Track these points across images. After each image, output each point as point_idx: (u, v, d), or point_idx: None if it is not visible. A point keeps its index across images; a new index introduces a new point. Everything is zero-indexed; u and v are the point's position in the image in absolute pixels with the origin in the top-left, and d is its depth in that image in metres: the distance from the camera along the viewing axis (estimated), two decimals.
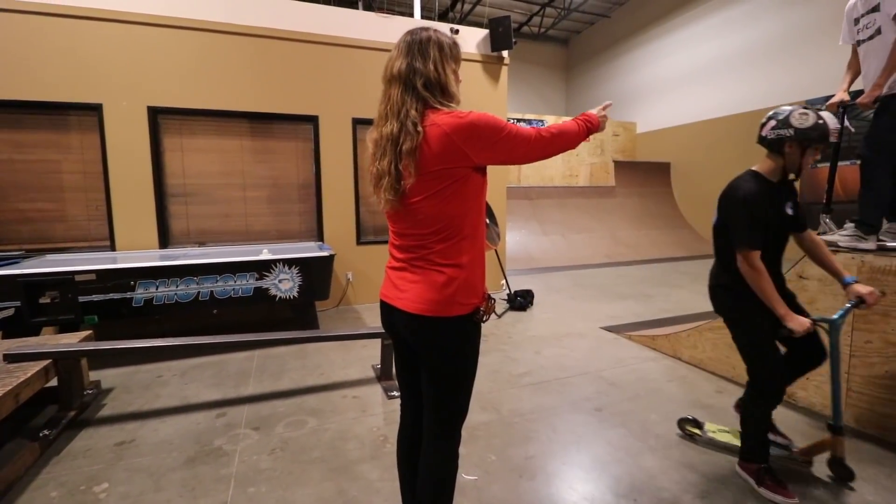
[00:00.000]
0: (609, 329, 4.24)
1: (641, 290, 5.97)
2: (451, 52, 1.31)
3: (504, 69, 5.71)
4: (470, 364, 1.38)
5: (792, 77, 8.67)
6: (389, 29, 5.08)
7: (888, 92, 2.51)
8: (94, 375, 3.13)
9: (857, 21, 2.75)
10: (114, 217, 4.25)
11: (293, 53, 4.73)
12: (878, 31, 2.59)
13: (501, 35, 5.39)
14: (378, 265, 5.32)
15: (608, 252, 9.02)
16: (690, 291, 5.92)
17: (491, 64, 5.63)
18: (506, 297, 5.25)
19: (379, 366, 3.21)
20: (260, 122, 4.73)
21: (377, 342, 3.58)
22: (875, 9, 2.60)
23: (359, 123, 5.07)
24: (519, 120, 10.84)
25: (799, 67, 8.56)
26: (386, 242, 5.37)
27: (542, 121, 11.11)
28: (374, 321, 4.59)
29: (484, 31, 5.57)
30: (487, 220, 5.04)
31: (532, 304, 5.14)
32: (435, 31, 1.32)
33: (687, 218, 10.83)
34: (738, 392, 2.50)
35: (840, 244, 2.56)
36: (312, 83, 4.83)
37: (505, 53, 5.66)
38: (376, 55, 4.98)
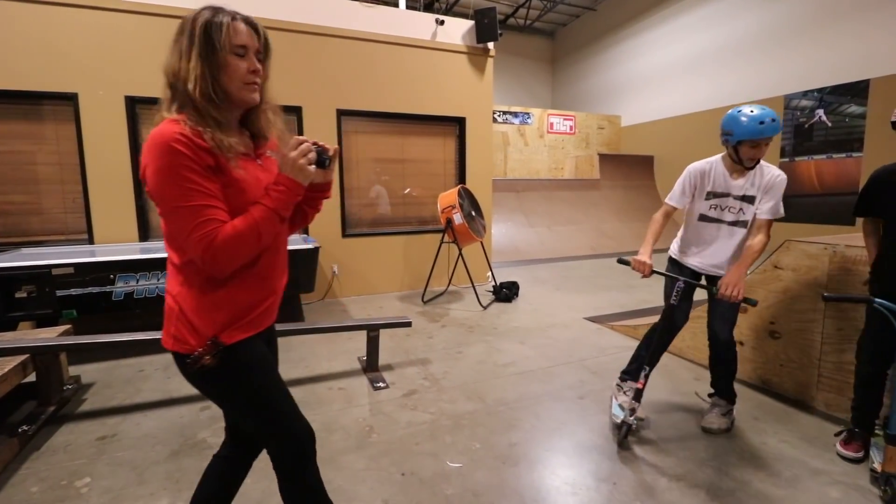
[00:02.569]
0: (592, 319, 4.31)
1: (625, 282, 6.07)
2: (202, 38, 1.03)
3: (490, 61, 5.70)
4: (245, 393, 1.13)
5: (771, 72, 8.85)
6: (374, 18, 5.02)
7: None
8: (73, 370, 3.08)
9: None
10: (91, 209, 4.16)
11: (276, 42, 4.59)
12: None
13: (487, 26, 5.37)
14: (364, 258, 5.31)
15: (593, 244, 9.14)
16: None
17: (476, 56, 5.61)
18: (491, 289, 5.29)
19: (365, 358, 3.22)
20: None
21: (363, 334, 3.57)
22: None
23: (344, 115, 5.02)
24: (505, 112, 10.85)
25: (777, 63, 8.73)
26: (373, 235, 5.37)
27: (528, 114, 11.12)
28: (359, 313, 4.59)
29: (470, 23, 5.55)
30: (473, 213, 5.06)
31: (517, 296, 5.19)
32: (200, 11, 1.06)
33: None
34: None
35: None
36: (295, 73, 4.77)
37: (490, 45, 5.64)
38: (361, 45, 4.92)
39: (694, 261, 2.39)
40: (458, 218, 4.66)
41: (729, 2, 9.61)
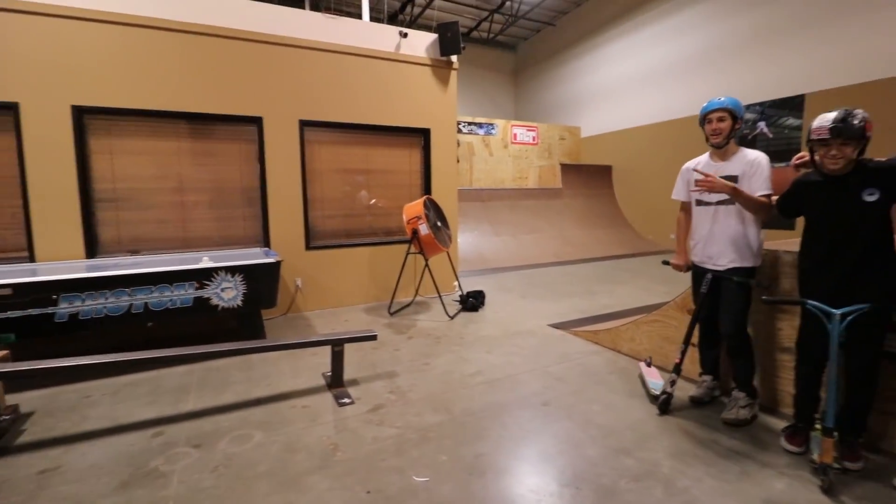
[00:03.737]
0: (556, 326, 4.40)
1: (587, 288, 6.24)
2: None
3: (454, 73, 5.79)
4: None
5: (718, 86, 9.39)
6: (337, 29, 5.01)
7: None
8: (11, 399, 2.87)
9: None
10: (32, 225, 3.91)
11: (235, 52, 4.56)
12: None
13: (450, 40, 5.46)
14: (329, 270, 5.22)
15: (557, 251, 9.35)
16: (632, 287, 6.25)
17: (440, 68, 5.69)
18: (458, 299, 5.31)
19: (329, 373, 3.16)
20: (199, 123, 4.52)
21: (327, 349, 3.51)
22: None
23: (306, 125, 4.96)
24: (470, 123, 11.01)
25: (724, 77, 9.29)
26: (338, 247, 5.30)
27: (492, 124, 11.33)
28: (324, 327, 4.51)
29: (433, 36, 5.62)
30: (439, 223, 5.09)
31: (483, 305, 5.24)
32: None
33: (628, 218, 11.43)
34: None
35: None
36: (256, 83, 4.68)
37: (454, 58, 5.73)
38: (323, 56, 4.89)
39: (697, 257, 2.65)
40: (423, 229, 4.67)
41: (677, 20, 10.17)
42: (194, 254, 4.36)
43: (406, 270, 5.34)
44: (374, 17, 11.71)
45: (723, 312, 2.51)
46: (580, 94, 12.97)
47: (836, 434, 1.96)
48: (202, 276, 3.56)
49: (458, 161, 9.12)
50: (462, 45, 5.58)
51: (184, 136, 4.48)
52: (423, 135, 5.71)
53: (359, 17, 6.61)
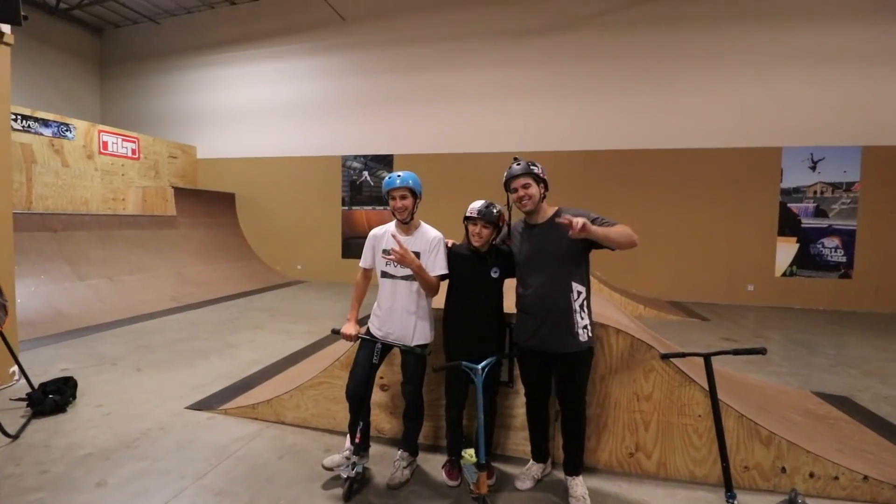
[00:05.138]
0: (198, 407, 3.56)
1: (223, 340, 5.48)
2: None
3: (6, 50, 3.81)
4: None
5: (334, 134, 10.65)
6: None
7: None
8: None
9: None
10: None
11: None
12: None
13: (7, 4, 3.57)
14: None
15: (175, 293, 7.83)
16: (273, 331, 5.96)
17: None
18: (25, 398, 3.44)
19: None
20: None
21: None
22: None
23: None
24: (28, 118, 7.71)
25: (338, 128, 10.62)
26: None
27: (68, 125, 8.36)
28: None
29: None
30: None
31: (75, 398, 3.61)
32: None
33: (255, 249, 11.05)
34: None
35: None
36: None
37: (7, 28, 3.79)
38: None
39: (376, 327, 2.67)
40: None
41: (296, 65, 10.88)
42: None
43: None
44: None
45: (406, 382, 2.63)
46: (197, 110, 11.61)
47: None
48: None
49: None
50: (24, 15, 3.77)
51: None
52: None
53: None
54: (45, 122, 7.97)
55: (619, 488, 2.58)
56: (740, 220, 8.51)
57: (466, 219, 2.50)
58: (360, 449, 2.50)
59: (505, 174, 2.44)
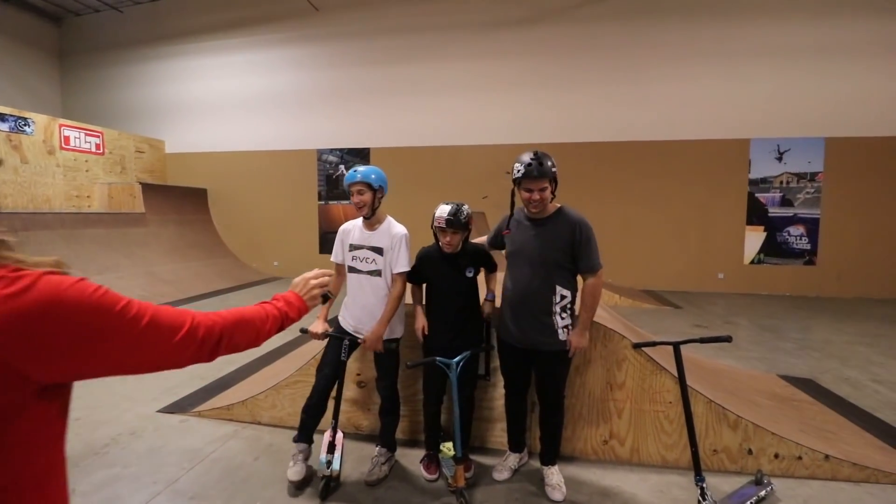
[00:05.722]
0: (171, 410, 3.47)
1: None
2: None
3: None
4: None
5: (309, 128, 10.44)
6: None
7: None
8: None
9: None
10: None
11: None
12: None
13: None
14: None
15: (145, 293, 7.59)
16: None
17: None
18: None
19: None
20: None
21: None
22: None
23: None
24: None
25: (313, 122, 10.41)
26: None
27: (26, 119, 7.98)
28: None
29: None
30: None
31: None
32: None
33: (229, 246, 10.79)
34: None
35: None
36: None
37: None
38: None
39: (346, 322, 2.66)
40: None
41: (270, 56, 10.58)
42: None
43: None
44: None
45: (380, 378, 2.65)
46: (165, 103, 11.21)
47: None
48: None
49: None
50: None
51: None
52: None
53: None
54: (2, 117, 7.58)
55: (593, 475, 2.63)
56: (711, 210, 8.74)
57: (436, 227, 2.46)
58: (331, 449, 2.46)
59: (518, 170, 2.22)
